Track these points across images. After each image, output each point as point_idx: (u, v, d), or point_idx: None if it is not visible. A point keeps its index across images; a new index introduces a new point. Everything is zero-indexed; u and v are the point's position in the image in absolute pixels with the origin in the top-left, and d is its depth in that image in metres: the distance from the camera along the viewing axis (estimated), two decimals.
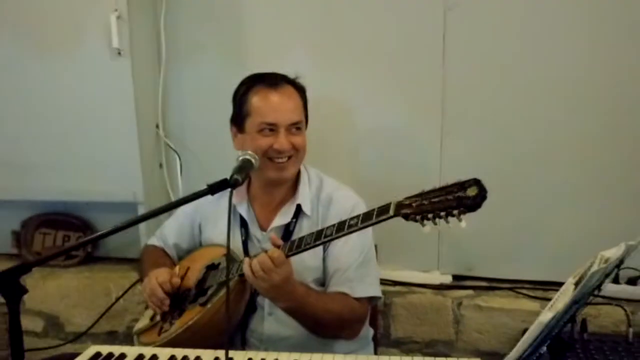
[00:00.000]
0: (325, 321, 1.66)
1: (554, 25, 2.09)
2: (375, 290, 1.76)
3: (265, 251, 1.52)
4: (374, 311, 2.02)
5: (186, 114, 2.43)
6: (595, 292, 1.23)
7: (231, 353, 1.41)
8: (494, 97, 2.18)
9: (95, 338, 2.42)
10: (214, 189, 1.46)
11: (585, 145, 2.14)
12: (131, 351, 1.51)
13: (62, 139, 2.33)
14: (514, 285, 2.25)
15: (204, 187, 1.47)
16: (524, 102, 2.16)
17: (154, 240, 2.01)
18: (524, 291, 2.22)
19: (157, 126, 2.42)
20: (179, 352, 1.48)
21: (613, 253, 1.10)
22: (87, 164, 2.34)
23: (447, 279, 2.33)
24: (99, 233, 1.50)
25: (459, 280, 2.33)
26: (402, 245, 2.24)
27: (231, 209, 1.45)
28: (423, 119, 2.26)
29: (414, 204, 1.31)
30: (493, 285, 2.28)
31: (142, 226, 2.36)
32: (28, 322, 2.47)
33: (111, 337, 2.43)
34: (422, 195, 1.32)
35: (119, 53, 2.17)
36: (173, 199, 2.45)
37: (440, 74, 2.20)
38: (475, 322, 2.18)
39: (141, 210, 2.34)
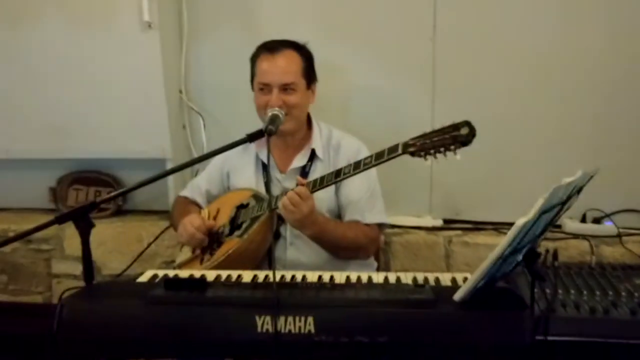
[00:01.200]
0: (342, 244, 2.00)
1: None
2: (383, 217, 2.11)
3: (291, 189, 1.83)
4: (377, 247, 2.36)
5: (206, 80, 2.73)
6: (559, 211, 1.56)
7: (264, 272, 1.73)
8: (481, 61, 2.50)
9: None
10: (253, 137, 1.78)
11: (556, 104, 2.48)
12: (182, 273, 1.82)
13: (96, 103, 2.62)
14: (497, 226, 2.59)
15: (223, 144, 1.79)
16: (506, 66, 2.48)
17: (185, 192, 2.32)
18: (505, 230, 2.55)
19: (181, 91, 2.72)
20: (223, 272, 1.78)
21: (571, 178, 1.43)
22: (118, 125, 2.63)
23: (438, 222, 2.67)
24: (137, 183, 1.82)
25: (449, 224, 2.66)
26: (398, 194, 2.57)
27: (268, 154, 1.80)
28: (415, 81, 2.57)
29: (418, 143, 1.64)
30: (478, 227, 2.62)
31: (170, 180, 2.66)
32: (68, 267, 2.79)
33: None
34: (424, 135, 1.65)
35: (149, 26, 2.45)
36: (196, 155, 2.75)
37: (431, 45, 2.52)
38: (463, 256, 2.51)
39: (169, 166, 2.63)
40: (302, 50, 2.08)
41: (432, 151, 1.62)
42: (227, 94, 2.66)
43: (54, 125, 2.67)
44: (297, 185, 1.86)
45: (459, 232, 2.59)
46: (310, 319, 1.41)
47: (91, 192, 2.87)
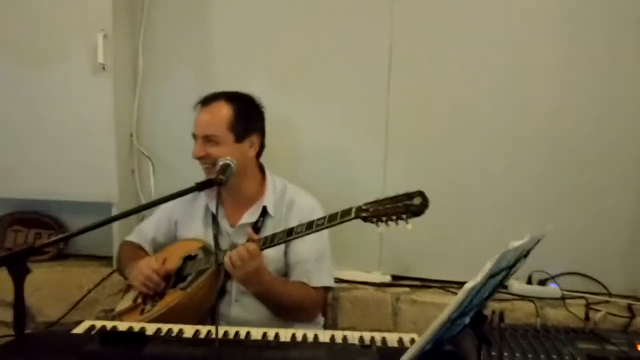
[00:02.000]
0: (287, 305, 1.96)
1: (494, 46, 2.46)
2: (330, 281, 2.08)
3: (242, 244, 1.80)
4: (324, 303, 2.33)
5: (158, 125, 2.69)
6: (507, 275, 1.57)
7: (207, 328, 1.69)
8: (434, 120, 2.53)
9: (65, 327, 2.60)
10: (202, 186, 1.76)
11: (504, 166, 2.52)
12: (121, 324, 1.75)
13: (42, 143, 2.55)
14: (444, 285, 2.59)
15: (173, 190, 1.78)
16: (458, 126, 2.52)
17: (132, 237, 2.26)
18: (452, 289, 2.56)
19: (131, 135, 2.67)
20: (164, 326, 1.72)
21: (519, 242, 1.44)
22: (65, 166, 2.56)
23: (387, 278, 2.65)
24: (81, 228, 1.72)
25: (397, 280, 2.65)
26: (348, 249, 2.56)
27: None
28: (367, 140, 2.59)
29: (370, 209, 1.65)
30: (426, 284, 2.61)
31: (115, 226, 2.58)
32: None
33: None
34: (377, 202, 1.66)
35: (103, 68, 2.42)
36: (143, 201, 2.68)
37: (385, 103, 2.54)
38: (410, 314, 2.49)
39: (115, 211, 2.56)
40: (236, 102, 2.06)
41: (384, 218, 1.63)
42: (178, 139, 2.58)
43: None
44: (248, 240, 1.83)
45: (407, 289, 2.58)
46: None
47: (31, 234, 2.77)
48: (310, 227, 1.76)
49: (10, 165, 2.57)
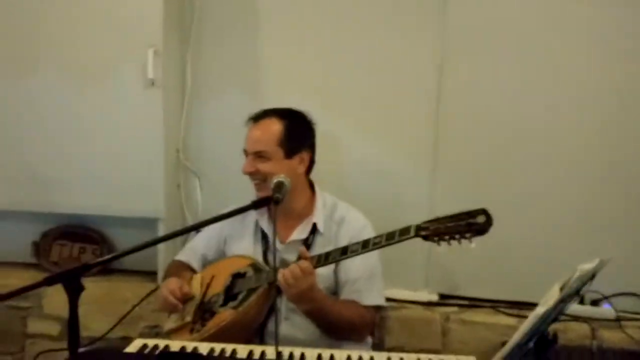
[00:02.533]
0: (338, 324, 1.92)
1: (545, 69, 2.41)
2: (381, 300, 2.04)
3: (294, 262, 1.78)
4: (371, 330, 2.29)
5: (205, 141, 2.69)
6: (572, 299, 1.52)
7: (261, 347, 1.68)
8: (485, 139, 2.49)
9: (109, 343, 2.60)
10: (258, 204, 1.74)
11: (559, 188, 2.46)
12: (173, 344, 1.73)
13: (90, 157, 2.55)
14: (494, 304, 2.53)
15: (219, 206, 1.85)
16: (513, 143, 2.47)
17: (180, 256, 2.25)
18: (502, 309, 2.50)
19: (178, 150, 2.67)
20: (217, 345, 1.70)
21: (590, 265, 1.39)
22: (111, 181, 2.56)
23: (434, 297, 2.60)
24: (130, 248, 1.73)
25: (444, 299, 2.60)
26: (393, 266, 2.49)
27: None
28: (415, 157, 2.55)
29: (431, 227, 1.61)
30: (475, 303, 2.56)
31: (161, 245, 2.55)
32: (45, 327, 2.66)
33: (125, 342, 2.61)
34: (437, 220, 1.62)
35: (153, 83, 2.42)
36: (189, 216, 2.68)
37: (434, 121, 2.51)
38: (460, 335, 2.44)
39: (161, 226, 2.55)
40: (287, 119, 2.05)
41: (446, 237, 1.58)
42: (225, 155, 2.60)
43: (44, 178, 2.59)
44: (298, 257, 1.80)
45: (455, 308, 2.53)
46: None
47: (76, 248, 2.78)
48: (366, 245, 1.73)
49: (57, 180, 2.58)
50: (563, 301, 1.36)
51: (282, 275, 1.77)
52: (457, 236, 1.57)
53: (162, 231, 2.54)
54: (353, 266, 1.99)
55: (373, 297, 2.01)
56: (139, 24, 2.40)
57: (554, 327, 2.30)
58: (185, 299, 2.00)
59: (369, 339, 2.17)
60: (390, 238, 1.68)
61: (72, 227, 2.79)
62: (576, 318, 2.39)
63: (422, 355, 1.65)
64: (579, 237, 2.43)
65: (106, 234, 2.79)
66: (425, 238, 1.61)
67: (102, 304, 2.62)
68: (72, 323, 1.69)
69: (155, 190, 2.53)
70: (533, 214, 2.50)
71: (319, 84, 2.59)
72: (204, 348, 1.69)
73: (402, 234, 1.66)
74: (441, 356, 1.67)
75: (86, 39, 2.45)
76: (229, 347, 1.69)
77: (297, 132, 2.07)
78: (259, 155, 1.99)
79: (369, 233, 2.02)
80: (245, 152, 2.04)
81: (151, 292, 2.49)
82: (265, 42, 2.62)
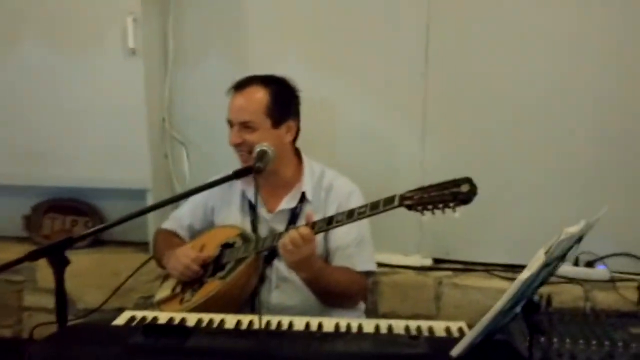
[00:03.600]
0: (335, 291, 1.90)
1: (531, 33, 2.36)
2: (372, 265, 2.03)
3: (294, 229, 1.75)
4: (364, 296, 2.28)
5: (191, 109, 2.65)
6: (559, 263, 1.50)
7: (249, 317, 1.65)
8: (474, 97, 2.45)
9: (105, 314, 2.60)
10: (239, 174, 1.71)
11: (551, 144, 2.42)
12: (162, 315, 1.72)
13: (75, 129, 2.54)
14: (487, 268, 2.52)
15: (207, 175, 1.78)
16: (500, 103, 2.43)
17: (167, 225, 2.23)
18: (496, 272, 2.49)
19: (164, 119, 2.63)
20: (205, 316, 1.69)
21: (575, 228, 1.36)
22: (98, 153, 2.55)
23: (428, 262, 2.59)
24: (117, 219, 1.78)
25: (438, 263, 2.59)
26: (386, 231, 2.48)
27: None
28: (405, 122, 2.51)
29: (415, 197, 1.57)
30: (468, 267, 2.54)
31: (150, 215, 2.54)
32: (40, 300, 2.67)
33: (120, 313, 2.63)
34: (421, 189, 1.58)
35: (133, 52, 2.38)
36: (177, 186, 2.66)
37: (422, 82, 2.46)
38: (453, 299, 2.43)
39: (149, 196, 2.54)
40: (272, 87, 1.99)
41: (429, 206, 1.55)
42: (211, 123, 2.56)
43: (31, 151, 2.58)
44: (306, 223, 1.77)
45: (449, 272, 2.52)
46: None
47: (67, 221, 2.77)
48: (351, 215, 1.70)
49: (43, 152, 2.56)
50: (548, 265, 1.34)
51: (282, 241, 1.74)
52: (440, 205, 1.53)
53: (150, 201, 2.53)
54: (342, 233, 1.96)
55: (364, 262, 1.99)
56: None
57: (547, 289, 2.33)
58: (205, 264, 1.97)
59: (362, 305, 2.17)
60: (375, 208, 1.65)
61: (62, 200, 2.78)
62: (570, 280, 2.39)
63: (411, 322, 1.63)
64: (572, 197, 2.41)
65: (96, 206, 2.78)
66: (409, 207, 1.58)
67: (95, 276, 2.63)
68: (59, 296, 1.70)
69: (142, 160, 2.52)
70: (525, 175, 2.47)
71: (307, 48, 2.54)
72: (192, 318, 1.68)
73: (386, 203, 1.63)
74: (430, 322, 1.63)
75: (66, 6, 2.41)
76: (217, 317, 1.67)
77: (284, 100, 2.02)
78: (246, 126, 1.94)
79: (356, 198, 2.00)
80: (230, 123, 1.98)
81: (144, 263, 2.49)
82: (250, 6, 2.56)
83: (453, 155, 2.49)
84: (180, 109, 2.67)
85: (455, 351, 1.35)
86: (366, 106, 2.54)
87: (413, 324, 1.61)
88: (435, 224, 2.53)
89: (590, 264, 2.44)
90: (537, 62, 2.37)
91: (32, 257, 1.66)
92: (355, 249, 1.97)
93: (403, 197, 1.60)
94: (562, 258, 1.47)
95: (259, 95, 1.97)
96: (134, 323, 1.66)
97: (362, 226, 2.00)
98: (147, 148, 2.51)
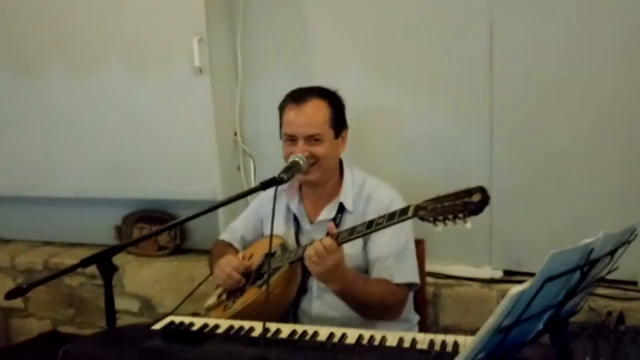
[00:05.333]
0: (369, 303, 1.87)
1: (597, 34, 2.20)
2: (414, 277, 1.97)
3: (318, 240, 1.76)
4: (422, 299, 2.23)
5: (261, 122, 2.72)
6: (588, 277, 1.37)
7: (280, 325, 1.71)
8: (541, 106, 2.31)
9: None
10: (265, 185, 1.75)
11: (631, 145, 2.23)
12: (198, 321, 1.80)
13: (152, 145, 2.72)
14: None
15: None
16: (570, 102, 2.27)
17: (223, 236, 2.32)
18: None
19: (235, 133, 2.75)
20: (236, 322, 1.75)
21: (592, 240, 1.26)
22: (173, 167, 2.71)
23: (498, 274, 2.47)
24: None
25: (509, 275, 2.46)
26: (455, 241, 2.39)
27: (276, 203, 1.78)
28: (471, 126, 2.42)
29: (429, 207, 1.53)
30: None
31: (221, 223, 2.67)
32: (127, 303, 2.88)
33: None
34: (437, 199, 1.53)
35: (200, 71, 2.51)
36: (249, 197, 2.75)
37: (488, 85, 2.36)
38: None
39: (221, 208, 2.63)
40: (331, 98, 2.01)
41: (440, 217, 1.49)
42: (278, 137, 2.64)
43: (117, 166, 2.80)
44: (327, 234, 1.79)
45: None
46: None
47: (153, 231, 2.95)
48: (370, 226, 1.68)
49: (127, 167, 2.77)
50: (550, 279, 1.24)
51: (306, 253, 1.76)
52: (450, 216, 1.47)
53: (221, 213, 2.64)
54: (381, 244, 1.94)
55: (404, 274, 1.94)
56: (182, 14, 2.49)
57: (625, 305, 2.14)
58: (247, 273, 2.03)
59: (414, 317, 2.13)
60: (391, 218, 1.63)
61: (149, 211, 2.98)
62: None
63: (439, 336, 1.58)
64: None
65: (178, 216, 2.94)
66: (422, 219, 1.53)
67: (173, 283, 2.80)
68: (108, 299, 1.81)
69: (213, 173, 2.64)
70: (606, 179, 2.28)
71: (368, 56, 2.54)
72: (224, 325, 1.74)
73: (402, 214, 1.61)
74: (460, 337, 1.58)
75: (139, 33, 2.60)
76: (247, 324, 1.73)
77: (341, 110, 2.05)
78: (314, 139, 1.95)
79: (397, 206, 1.96)
80: (291, 137, 1.97)
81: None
82: (312, 18, 2.59)
83: (522, 158, 2.37)
84: (251, 123, 2.77)
85: None
86: (432, 112, 2.48)
87: (440, 338, 1.55)
88: (507, 235, 2.44)
89: None
90: (605, 57, 2.20)
91: (84, 263, 1.80)
92: (394, 260, 1.94)
93: (418, 207, 1.56)
94: (587, 267, 1.35)
95: (324, 108, 1.98)
96: (171, 327, 1.75)
97: (402, 237, 1.96)
98: (217, 161, 2.63)
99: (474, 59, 2.37)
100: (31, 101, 2.91)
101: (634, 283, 2.26)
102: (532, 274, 2.43)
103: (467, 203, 1.45)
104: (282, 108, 2.04)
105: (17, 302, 3.12)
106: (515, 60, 2.32)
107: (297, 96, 2.01)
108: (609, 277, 1.59)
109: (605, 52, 2.19)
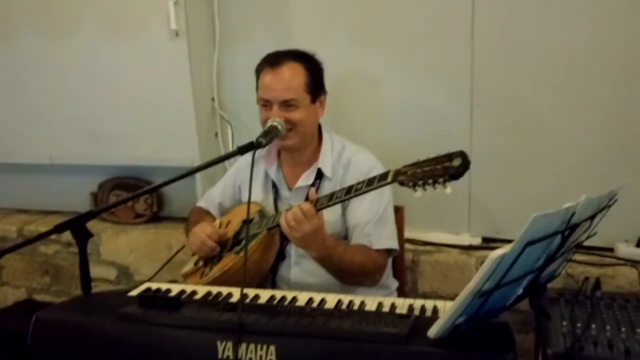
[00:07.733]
0: (350, 269, 1.87)
1: (581, 2, 2.18)
2: (393, 243, 1.97)
3: (296, 206, 1.74)
4: (401, 266, 2.23)
5: (239, 88, 2.67)
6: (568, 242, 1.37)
7: (259, 290, 1.70)
8: (523, 66, 2.29)
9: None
10: (242, 150, 1.72)
11: (608, 111, 2.23)
12: (175, 287, 1.78)
13: (128, 111, 2.66)
14: None
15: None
16: (550, 71, 2.26)
17: (201, 203, 2.30)
18: None
19: (213, 99, 2.69)
20: (214, 289, 1.73)
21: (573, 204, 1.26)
22: (150, 133, 2.66)
23: (477, 241, 2.47)
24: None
25: (488, 242, 2.47)
26: (434, 208, 2.41)
27: (254, 169, 1.74)
28: (452, 94, 2.40)
29: (409, 172, 1.51)
30: None
31: (199, 191, 2.64)
32: (103, 271, 2.85)
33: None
34: (416, 164, 1.51)
35: (177, 34, 2.45)
36: (227, 164, 2.72)
37: (469, 51, 2.33)
38: None
39: (199, 175, 2.62)
40: (308, 62, 1.97)
41: (420, 182, 1.47)
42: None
43: (93, 132, 2.74)
44: (308, 199, 1.77)
45: None
46: (272, 348, 1.35)
47: None
48: (349, 192, 1.66)
49: (103, 133, 2.72)
50: (531, 243, 1.23)
51: (283, 218, 1.74)
52: (430, 181, 1.45)
53: (199, 180, 2.61)
54: (360, 211, 1.93)
55: (383, 240, 1.94)
56: None
57: (601, 271, 2.16)
58: (221, 241, 2.01)
59: (393, 283, 2.13)
60: (370, 184, 1.61)
61: (125, 178, 2.93)
62: (630, 262, 2.20)
63: (419, 300, 1.58)
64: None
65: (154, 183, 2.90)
66: (402, 184, 1.51)
67: (150, 250, 2.77)
68: (83, 265, 1.79)
69: (190, 140, 2.59)
70: (584, 144, 2.29)
71: (350, 22, 2.49)
72: (202, 291, 1.72)
73: (381, 179, 1.59)
74: (440, 301, 1.57)
75: None
76: (225, 291, 1.71)
77: (318, 74, 2.01)
78: (288, 104, 1.92)
79: (377, 173, 1.96)
80: (266, 102, 1.94)
81: None
82: None
83: (502, 125, 2.37)
84: (229, 88, 2.71)
85: (431, 332, 1.29)
86: (412, 79, 2.45)
87: (419, 302, 1.55)
88: (485, 202, 2.44)
89: None
90: (589, 30, 2.18)
91: (58, 230, 1.77)
92: (374, 226, 1.93)
93: (397, 173, 1.54)
94: (568, 231, 1.34)
95: (300, 72, 1.94)
96: (148, 294, 1.72)
97: (381, 204, 1.95)
98: (194, 127, 2.58)
99: (455, 26, 2.34)
100: (2, 66, 2.83)
101: (610, 249, 2.28)
102: (510, 241, 2.44)
103: (448, 167, 1.43)
104: (258, 72, 2.00)
105: None
106: (497, 27, 2.29)
107: (273, 59, 1.97)
108: (586, 243, 1.60)
109: (589, 20, 2.17)
